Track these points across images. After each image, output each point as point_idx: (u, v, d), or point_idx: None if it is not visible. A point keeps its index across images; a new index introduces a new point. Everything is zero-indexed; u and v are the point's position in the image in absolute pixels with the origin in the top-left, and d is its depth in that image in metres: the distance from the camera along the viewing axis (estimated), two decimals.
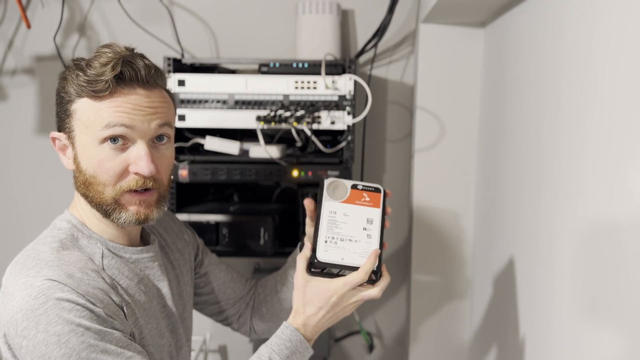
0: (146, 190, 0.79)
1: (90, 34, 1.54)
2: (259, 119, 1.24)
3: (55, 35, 1.50)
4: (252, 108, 1.26)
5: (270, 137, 1.32)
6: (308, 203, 0.93)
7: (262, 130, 1.25)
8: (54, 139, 0.82)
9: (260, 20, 1.51)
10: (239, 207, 1.37)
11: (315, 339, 0.84)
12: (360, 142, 1.49)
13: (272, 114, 1.23)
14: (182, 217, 1.26)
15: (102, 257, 0.80)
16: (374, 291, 0.80)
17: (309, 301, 0.81)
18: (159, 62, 1.38)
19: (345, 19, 1.50)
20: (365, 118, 1.37)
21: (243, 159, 1.28)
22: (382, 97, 1.53)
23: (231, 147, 1.26)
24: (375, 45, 1.42)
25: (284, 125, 1.24)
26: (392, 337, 1.64)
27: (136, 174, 0.77)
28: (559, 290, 0.79)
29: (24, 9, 1.38)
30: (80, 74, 0.75)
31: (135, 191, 0.78)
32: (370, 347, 1.61)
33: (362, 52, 1.44)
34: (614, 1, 0.64)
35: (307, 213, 0.94)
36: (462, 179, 1.37)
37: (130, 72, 0.76)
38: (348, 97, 1.25)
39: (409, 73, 1.52)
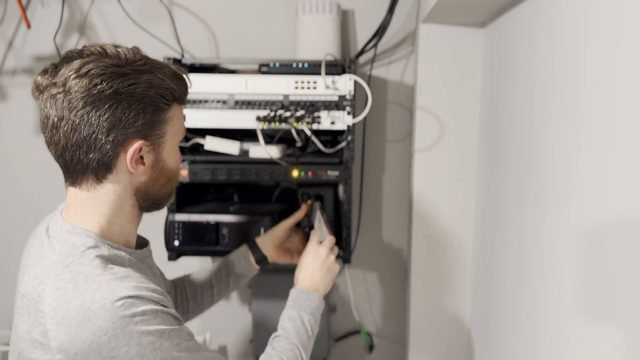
0: None
1: (90, 34, 1.54)
2: (259, 119, 1.23)
3: (55, 35, 1.50)
4: (252, 108, 1.26)
5: (270, 137, 1.32)
6: (306, 209, 1.26)
7: (262, 130, 1.25)
8: (137, 150, 0.75)
9: (260, 20, 1.51)
10: (239, 207, 1.37)
11: (320, 291, 1.02)
12: (360, 142, 1.49)
13: (272, 114, 1.23)
14: (182, 217, 1.26)
15: (129, 264, 0.79)
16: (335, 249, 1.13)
17: (303, 264, 1.06)
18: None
19: (345, 19, 1.50)
20: (365, 118, 1.37)
21: (243, 159, 1.28)
22: (382, 97, 1.53)
23: (231, 147, 1.26)
24: (375, 45, 1.42)
25: (284, 125, 1.24)
26: (392, 337, 1.64)
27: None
28: (560, 290, 0.79)
29: (24, 9, 1.39)
30: (177, 80, 0.79)
31: None
32: (370, 347, 1.61)
33: (362, 52, 1.44)
34: (614, 1, 0.64)
35: (300, 213, 1.24)
36: (462, 179, 1.37)
37: None
38: (348, 97, 1.25)
39: (409, 73, 1.52)
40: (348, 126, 1.26)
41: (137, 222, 0.84)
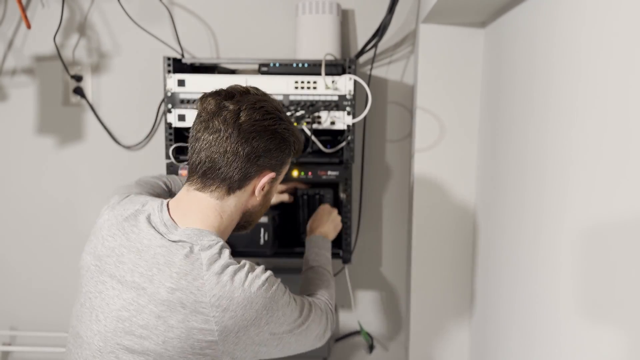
0: None
1: (90, 34, 1.54)
2: None
3: (55, 35, 1.51)
4: None
5: None
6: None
7: None
8: (271, 178, 0.92)
9: (260, 20, 1.51)
10: None
11: (329, 237, 1.22)
12: (360, 142, 1.49)
13: None
14: None
15: None
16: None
17: (317, 217, 1.25)
18: (159, 62, 1.39)
19: (345, 19, 1.50)
20: (365, 118, 1.37)
21: None
22: (382, 97, 1.53)
23: None
24: (375, 45, 1.42)
25: None
26: (392, 337, 1.64)
27: None
28: (560, 290, 0.79)
29: (24, 9, 1.38)
30: (300, 138, 0.97)
31: None
32: (370, 347, 1.61)
33: (362, 52, 1.44)
34: (614, 1, 0.64)
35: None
36: (462, 179, 1.37)
37: None
38: (348, 97, 1.25)
39: (409, 73, 1.52)
40: (348, 126, 1.26)
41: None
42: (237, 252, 1.28)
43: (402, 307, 1.61)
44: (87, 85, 1.55)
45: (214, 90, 0.91)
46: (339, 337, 1.63)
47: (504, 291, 1.09)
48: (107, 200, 0.97)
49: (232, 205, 0.90)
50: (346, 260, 1.35)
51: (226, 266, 0.84)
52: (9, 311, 1.66)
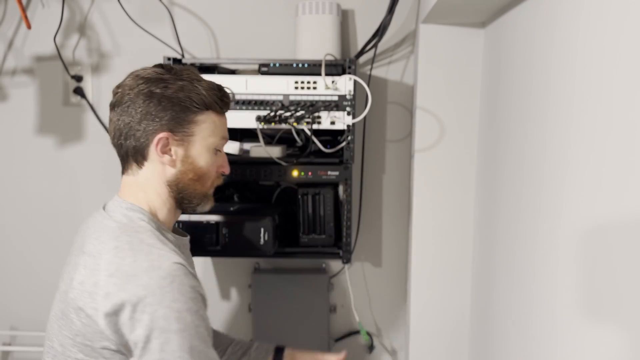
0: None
1: (90, 34, 1.54)
2: (259, 119, 1.24)
3: (55, 35, 1.51)
4: (252, 108, 1.26)
5: (271, 137, 1.32)
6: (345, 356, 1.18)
7: (262, 130, 1.25)
8: (162, 139, 0.88)
9: (260, 20, 1.51)
10: (239, 207, 1.37)
11: None
12: (360, 142, 1.49)
13: (272, 114, 1.23)
14: (183, 217, 1.26)
15: (173, 246, 0.89)
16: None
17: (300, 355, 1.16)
18: (159, 62, 1.38)
19: (345, 19, 1.50)
20: (365, 118, 1.37)
21: (243, 158, 1.28)
22: (382, 97, 1.53)
23: (231, 147, 1.26)
24: (375, 46, 1.42)
25: (284, 125, 1.24)
26: (392, 337, 1.64)
27: (223, 174, 0.99)
28: (559, 290, 0.79)
29: (24, 9, 1.38)
30: (213, 91, 0.91)
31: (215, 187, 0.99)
32: (370, 347, 1.61)
33: (362, 52, 1.44)
34: (613, 2, 0.64)
35: (340, 356, 1.17)
36: (462, 179, 1.37)
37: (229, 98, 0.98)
38: (348, 97, 1.25)
39: (409, 73, 1.52)
40: (348, 126, 1.26)
41: (174, 213, 0.95)
42: (237, 252, 1.28)
43: (402, 307, 1.62)
44: (87, 85, 1.55)
45: None
46: (339, 337, 1.63)
47: (503, 291, 1.09)
48: None
49: (148, 177, 0.90)
50: (346, 260, 1.35)
51: (134, 236, 0.82)
52: (9, 311, 1.66)
